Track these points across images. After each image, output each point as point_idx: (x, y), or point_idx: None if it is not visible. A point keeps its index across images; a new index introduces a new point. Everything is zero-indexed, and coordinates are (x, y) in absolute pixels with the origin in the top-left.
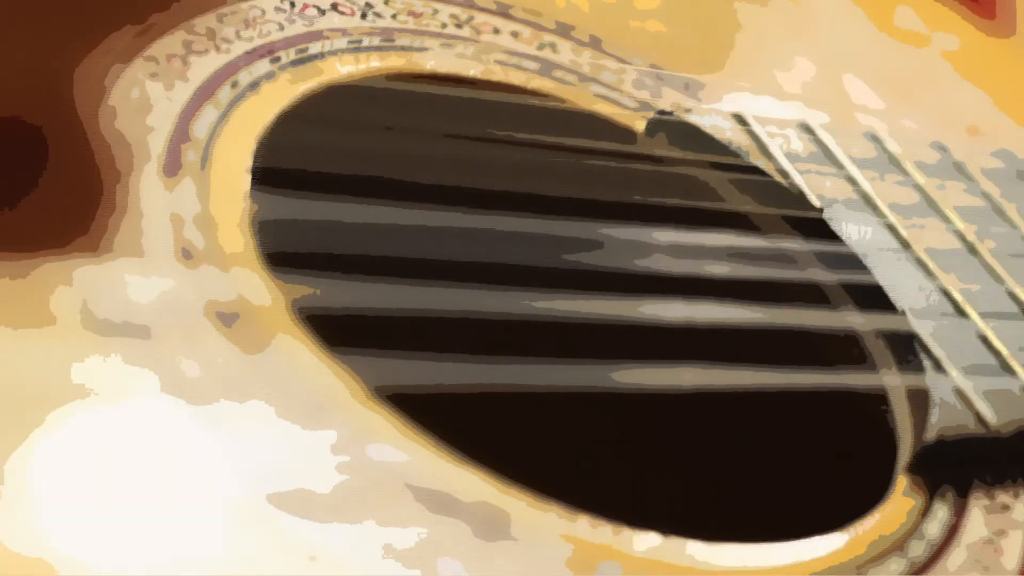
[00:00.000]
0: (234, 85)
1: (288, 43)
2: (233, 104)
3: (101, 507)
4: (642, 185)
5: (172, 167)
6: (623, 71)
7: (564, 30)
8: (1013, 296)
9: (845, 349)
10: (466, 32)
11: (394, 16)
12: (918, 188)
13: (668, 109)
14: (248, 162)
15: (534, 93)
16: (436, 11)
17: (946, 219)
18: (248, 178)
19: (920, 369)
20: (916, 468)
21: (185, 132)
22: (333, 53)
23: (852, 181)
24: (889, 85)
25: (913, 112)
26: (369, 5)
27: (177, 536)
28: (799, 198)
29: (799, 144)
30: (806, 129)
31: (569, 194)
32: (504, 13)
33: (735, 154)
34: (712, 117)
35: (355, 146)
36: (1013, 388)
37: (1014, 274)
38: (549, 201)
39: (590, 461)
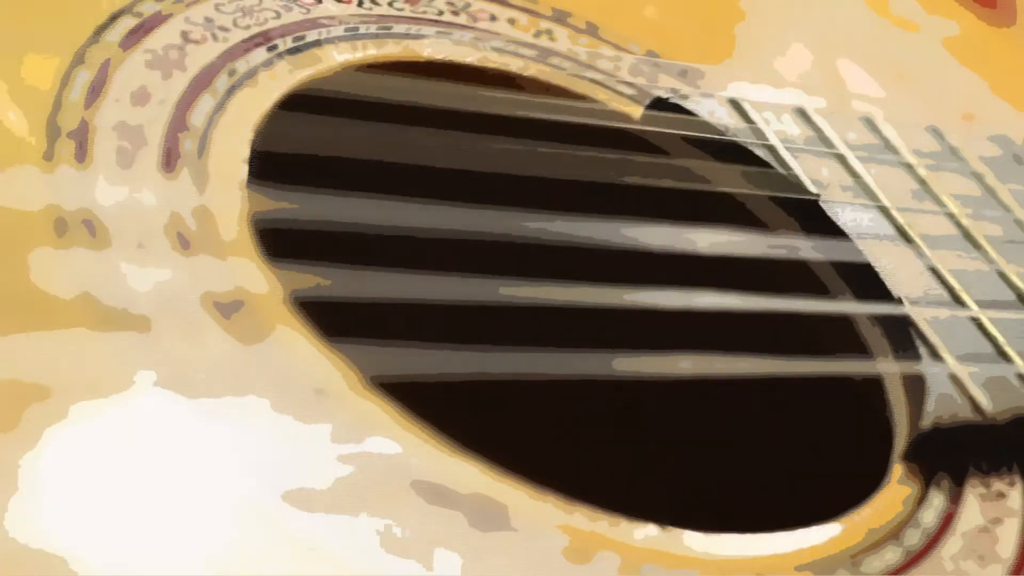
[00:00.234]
0: (231, 74)
1: (285, 31)
2: (230, 93)
3: (101, 502)
4: (638, 171)
5: (170, 156)
6: (620, 58)
7: (561, 17)
8: (1009, 282)
9: (841, 337)
10: (462, 19)
11: (391, 3)
12: (914, 173)
13: (664, 96)
14: (246, 151)
15: (530, 80)
16: None
17: (942, 204)
18: (245, 168)
19: (916, 357)
20: (912, 456)
21: (183, 121)
22: (330, 41)
23: (848, 166)
24: (885, 71)
25: (909, 97)
26: None
27: (176, 529)
28: (795, 183)
29: (795, 129)
30: (802, 114)
31: (564, 178)
32: (501, 0)
33: (731, 140)
34: (708, 103)
35: (352, 135)
36: (1009, 375)
37: (1010, 260)
38: (545, 189)
39: (586, 451)
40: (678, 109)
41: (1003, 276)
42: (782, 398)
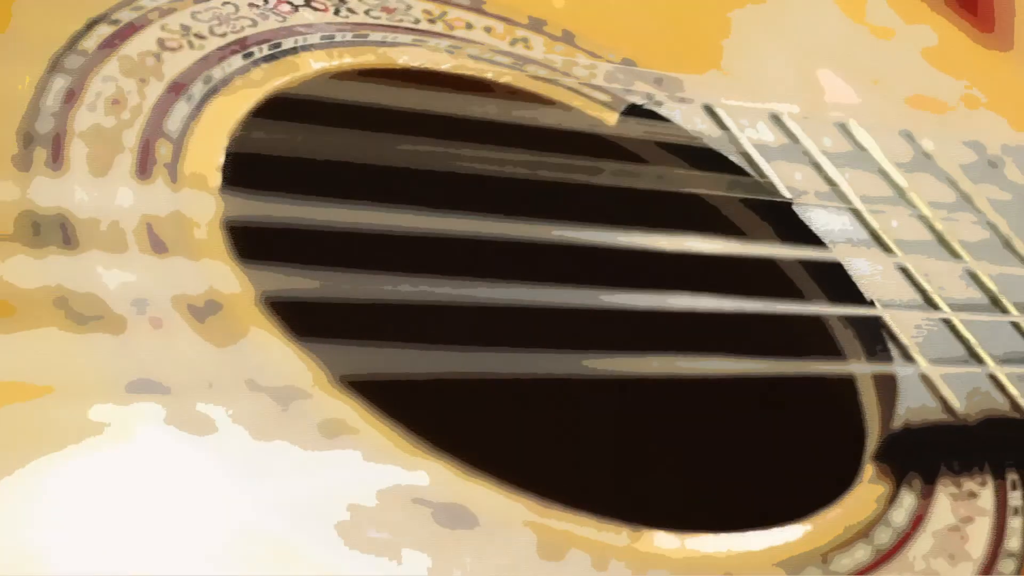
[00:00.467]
0: (207, 81)
1: (261, 38)
2: (205, 100)
3: (67, 504)
4: (612, 176)
5: (145, 162)
6: (595, 66)
7: (537, 25)
8: (981, 285)
9: (814, 339)
10: (439, 27)
11: (367, 12)
12: (888, 178)
13: (639, 102)
14: (220, 158)
15: (506, 88)
16: (409, 7)
17: (915, 208)
18: (219, 176)
19: (888, 358)
20: (883, 456)
21: (158, 128)
22: (306, 48)
23: (822, 172)
24: (861, 77)
25: (884, 103)
26: (342, 1)
27: (146, 535)
28: (769, 189)
29: (769, 135)
30: (776, 121)
31: (537, 180)
32: (477, 8)
33: (706, 146)
34: (683, 109)
35: (327, 142)
36: (980, 376)
37: (982, 262)
38: (515, 194)
39: (558, 451)
40: (653, 116)
41: (975, 278)
42: (756, 399)
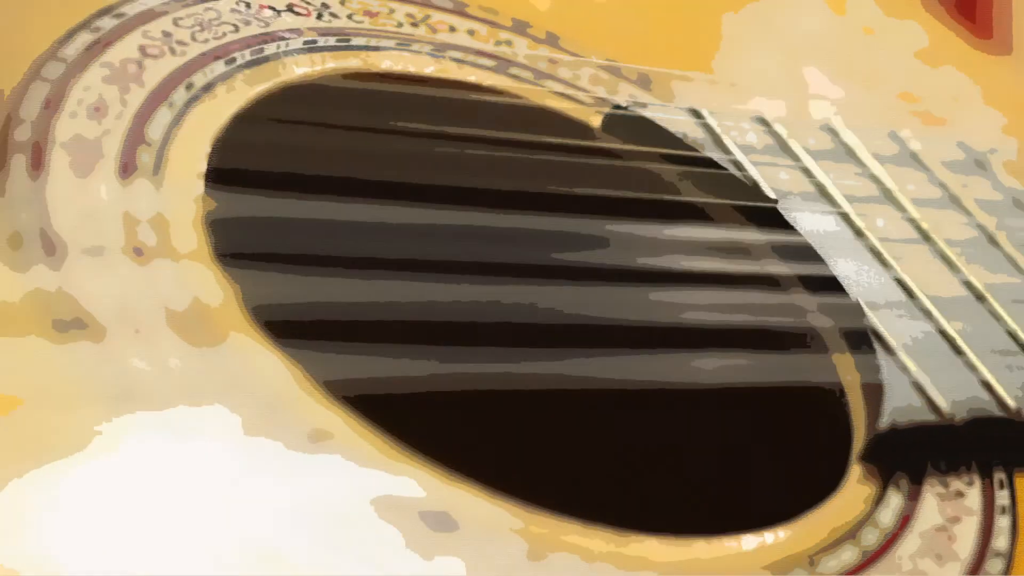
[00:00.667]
0: (189, 87)
1: (244, 44)
2: (188, 106)
3: (52, 509)
4: (597, 179)
5: (127, 169)
6: (579, 67)
7: (520, 27)
8: (967, 284)
9: (800, 339)
10: (422, 31)
11: (350, 16)
12: (874, 179)
13: (624, 104)
14: (202, 165)
15: (490, 90)
16: (392, 10)
17: (902, 209)
18: (201, 183)
19: (874, 359)
20: (870, 457)
21: (140, 134)
22: (289, 54)
23: (808, 173)
24: (848, 76)
25: (871, 103)
26: (325, 5)
27: (132, 543)
28: (754, 190)
29: (754, 137)
30: (761, 122)
31: (522, 188)
32: (460, 11)
33: (690, 147)
34: (668, 111)
35: (310, 146)
36: (966, 375)
37: (970, 262)
38: (502, 196)
39: (545, 455)
40: (637, 118)
41: (962, 278)
42: (741, 398)
